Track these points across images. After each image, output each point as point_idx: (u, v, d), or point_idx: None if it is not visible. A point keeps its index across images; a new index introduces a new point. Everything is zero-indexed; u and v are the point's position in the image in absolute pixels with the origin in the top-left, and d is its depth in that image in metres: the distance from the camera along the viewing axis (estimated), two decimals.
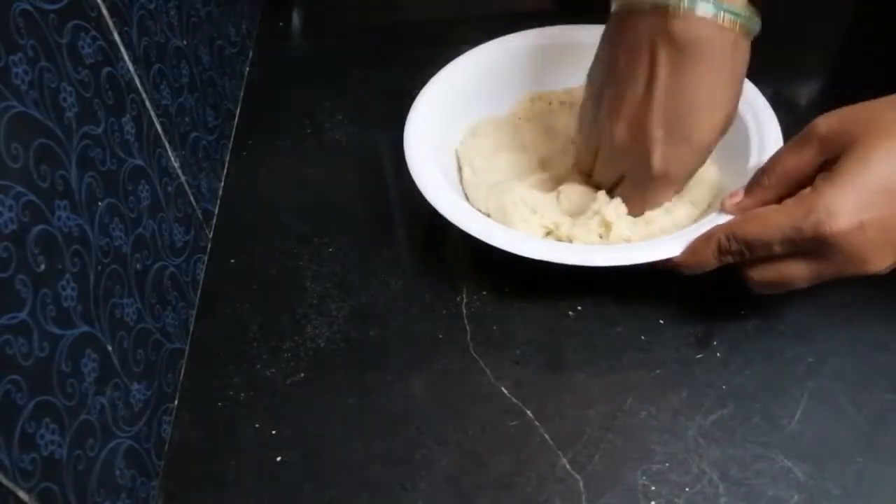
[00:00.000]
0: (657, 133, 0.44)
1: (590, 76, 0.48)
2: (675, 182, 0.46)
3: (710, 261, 0.43)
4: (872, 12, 0.67)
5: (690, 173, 0.47)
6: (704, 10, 0.41)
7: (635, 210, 0.48)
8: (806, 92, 0.61)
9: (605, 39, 0.46)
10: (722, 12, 0.41)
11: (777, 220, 0.40)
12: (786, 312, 0.47)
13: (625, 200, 0.48)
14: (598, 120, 0.47)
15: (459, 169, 0.53)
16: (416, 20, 0.72)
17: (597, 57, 0.48)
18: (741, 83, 0.45)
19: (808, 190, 0.39)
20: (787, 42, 0.64)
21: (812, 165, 0.41)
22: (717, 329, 0.46)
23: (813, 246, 0.39)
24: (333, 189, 0.56)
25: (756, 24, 0.43)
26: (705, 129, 0.44)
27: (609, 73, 0.46)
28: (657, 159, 0.44)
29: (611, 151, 0.47)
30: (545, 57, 0.56)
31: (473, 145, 0.54)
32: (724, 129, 0.45)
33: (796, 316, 0.46)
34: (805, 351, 0.45)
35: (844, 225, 0.37)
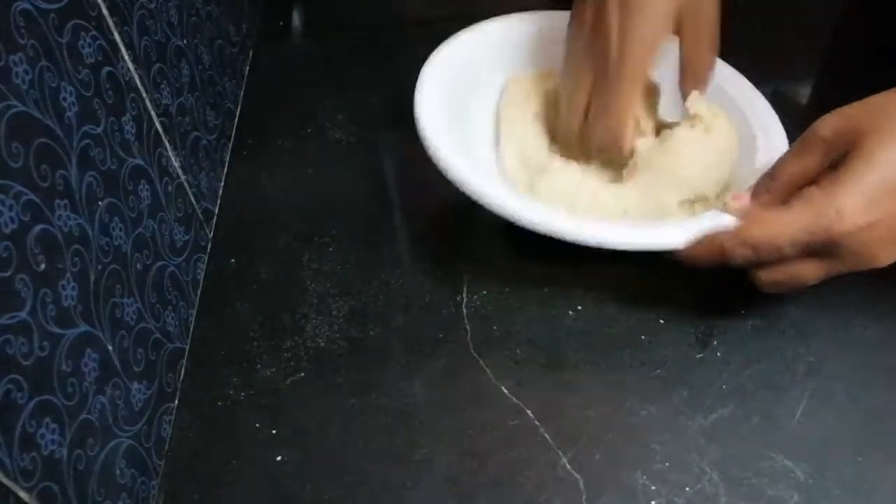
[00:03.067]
0: (614, 25, 0.46)
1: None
2: (634, 64, 0.47)
3: (709, 263, 0.42)
4: (872, 11, 0.67)
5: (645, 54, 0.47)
6: None
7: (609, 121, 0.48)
8: (806, 91, 0.61)
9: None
10: None
11: (787, 224, 0.39)
12: (786, 312, 0.47)
13: (596, 114, 0.48)
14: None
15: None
16: (416, 20, 0.72)
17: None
18: None
19: (814, 189, 0.39)
20: (787, 41, 0.64)
21: (818, 170, 0.41)
22: (717, 329, 0.46)
23: (823, 247, 0.39)
24: (333, 189, 0.56)
25: None
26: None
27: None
28: (615, 46, 0.46)
29: (580, 52, 0.49)
30: (550, 38, 0.56)
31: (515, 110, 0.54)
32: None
33: (797, 315, 0.47)
34: (805, 351, 0.45)
35: (855, 226, 0.38)
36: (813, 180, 0.41)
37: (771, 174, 0.43)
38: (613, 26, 0.46)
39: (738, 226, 0.42)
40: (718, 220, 0.43)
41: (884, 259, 0.39)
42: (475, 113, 0.54)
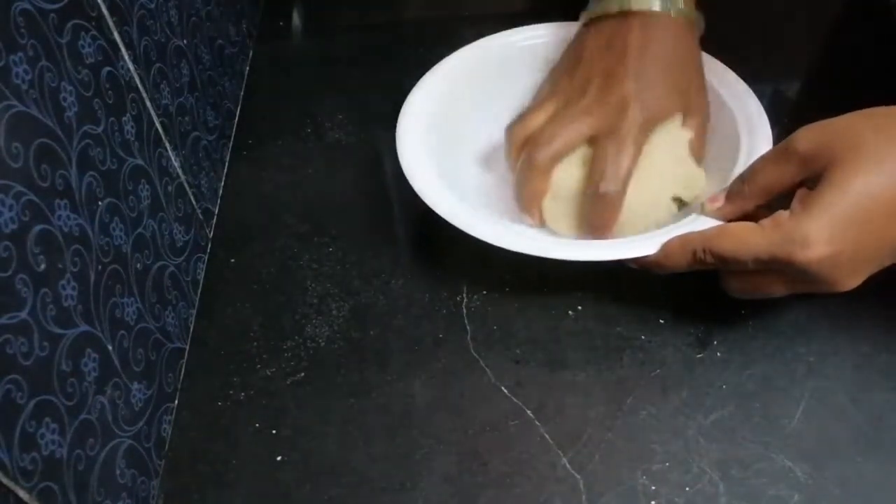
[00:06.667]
0: (631, 87, 0.47)
1: (553, 76, 0.53)
2: (641, 131, 0.48)
3: (683, 266, 0.43)
4: (872, 11, 0.67)
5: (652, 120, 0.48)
6: (656, 4, 0.48)
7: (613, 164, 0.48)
8: (806, 91, 0.61)
9: (576, 42, 0.52)
10: (669, 7, 0.49)
11: (753, 242, 0.40)
12: (786, 312, 0.47)
13: (602, 160, 0.48)
14: (574, 85, 0.50)
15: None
16: (416, 20, 0.72)
17: (566, 58, 0.52)
18: (694, 60, 0.50)
19: (785, 214, 0.40)
20: (787, 41, 0.64)
21: (792, 182, 0.41)
22: (717, 329, 0.46)
23: (787, 269, 0.40)
24: (333, 189, 0.56)
25: (699, 19, 0.50)
26: (666, 95, 0.48)
27: (581, 61, 0.50)
28: (634, 108, 0.47)
29: (587, 105, 0.49)
30: (539, 53, 0.56)
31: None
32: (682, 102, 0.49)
33: (796, 316, 0.47)
34: (805, 351, 0.45)
35: (818, 255, 0.38)
36: (787, 190, 0.42)
37: (746, 179, 0.43)
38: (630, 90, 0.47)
39: (708, 234, 0.42)
40: (694, 224, 0.44)
41: (847, 285, 0.40)
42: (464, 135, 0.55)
